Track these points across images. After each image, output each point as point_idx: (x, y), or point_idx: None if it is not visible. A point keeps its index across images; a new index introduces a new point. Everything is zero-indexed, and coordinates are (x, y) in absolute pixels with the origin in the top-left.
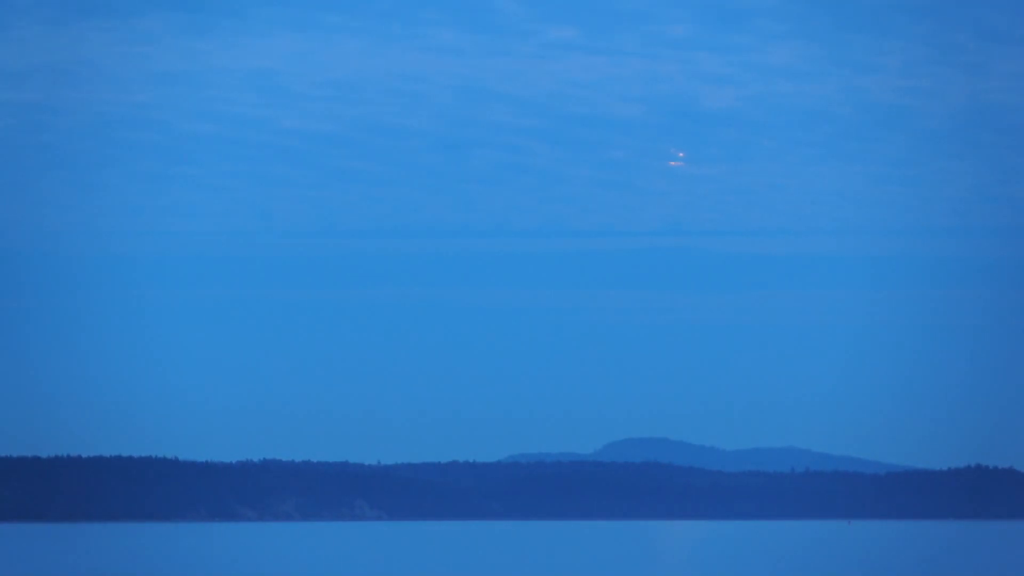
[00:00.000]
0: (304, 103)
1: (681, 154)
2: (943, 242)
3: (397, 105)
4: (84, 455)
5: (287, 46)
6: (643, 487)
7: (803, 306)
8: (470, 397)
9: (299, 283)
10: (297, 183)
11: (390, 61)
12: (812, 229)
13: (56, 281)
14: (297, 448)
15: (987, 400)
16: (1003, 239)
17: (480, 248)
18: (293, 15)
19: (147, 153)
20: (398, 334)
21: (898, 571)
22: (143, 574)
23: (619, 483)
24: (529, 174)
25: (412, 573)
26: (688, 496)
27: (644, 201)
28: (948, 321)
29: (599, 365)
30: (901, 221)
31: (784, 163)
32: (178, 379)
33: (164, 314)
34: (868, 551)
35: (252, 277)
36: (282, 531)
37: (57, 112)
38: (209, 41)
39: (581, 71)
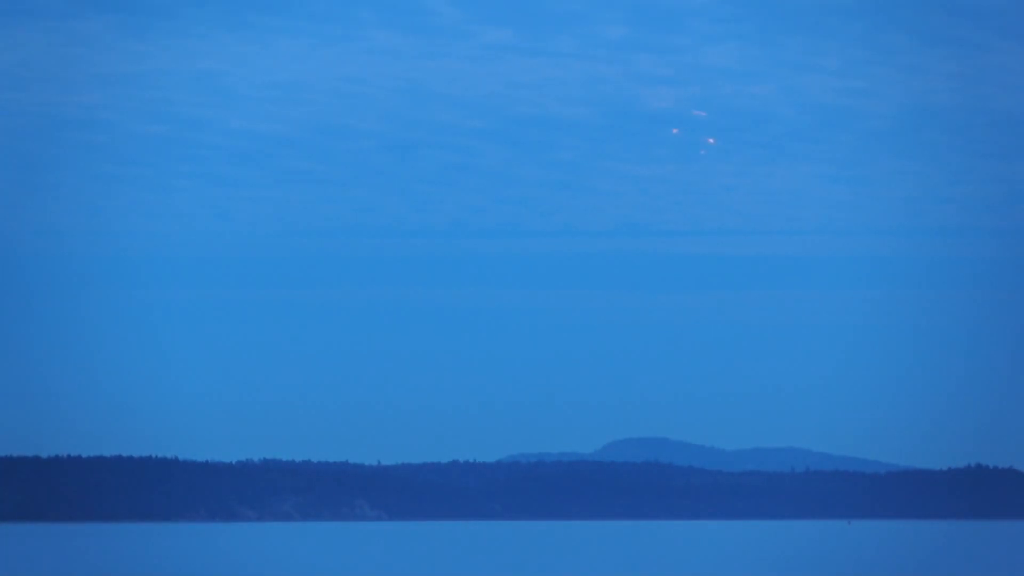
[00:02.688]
0: (249, 104)
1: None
2: (932, 241)
3: (341, 106)
4: (84, 455)
5: (226, 47)
6: (643, 487)
7: (803, 306)
8: (470, 397)
9: (295, 283)
10: (251, 183)
11: (330, 63)
12: (790, 230)
13: (53, 281)
14: (297, 448)
15: (987, 400)
16: (974, 239)
17: (452, 248)
18: (228, 17)
19: (97, 154)
20: (398, 334)
21: (898, 571)
22: (143, 574)
23: (619, 483)
24: (479, 175)
25: (412, 573)
26: (688, 496)
27: (599, 201)
28: (948, 321)
29: (599, 365)
30: (877, 221)
31: (732, 163)
32: (178, 379)
33: (162, 314)
34: (868, 551)
35: (247, 277)
36: (282, 531)
37: (2, 113)
38: (147, 43)
39: (521, 72)
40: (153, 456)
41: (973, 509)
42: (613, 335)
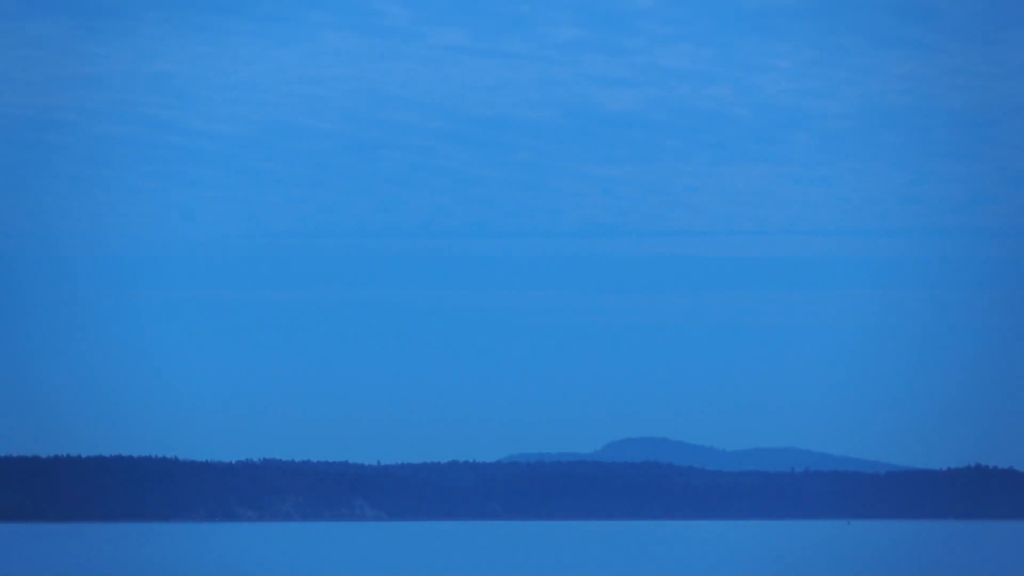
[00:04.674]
0: (208, 105)
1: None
2: (935, 241)
3: (300, 107)
4: (84, 455)
5: (180, 49)
6: (643, 487)
7: (803, 307)
8: (470, 397)
9: (292, 283)
10: (215, 184)
11: (285, 64)
12: (758, 230)
13: (56, 280)
14: (297, 448)
15: (987, 400)
16: (954, 238)
17: (429, 248)
18: (179, 18)
19: (59, 154)
20: (399, 334)
21: (898, 571)
22: (143, 574)
23: (619, 483)
24: (442, 175)
25: (412, 573)
26: (688, 496)
27: (563, 202)
28: (948, 321)
29: (599, 365)
30: (845, 222)
31: (692, 163)
32: (178, 379)
33: (154, 315)
34: (868, 551)
35: (243, 277)
36: (282, 531)
37: None
38: (102, 45)
39: (475, 74)
40: (153, 456)
41: (973, 509)
42: (614, 336)
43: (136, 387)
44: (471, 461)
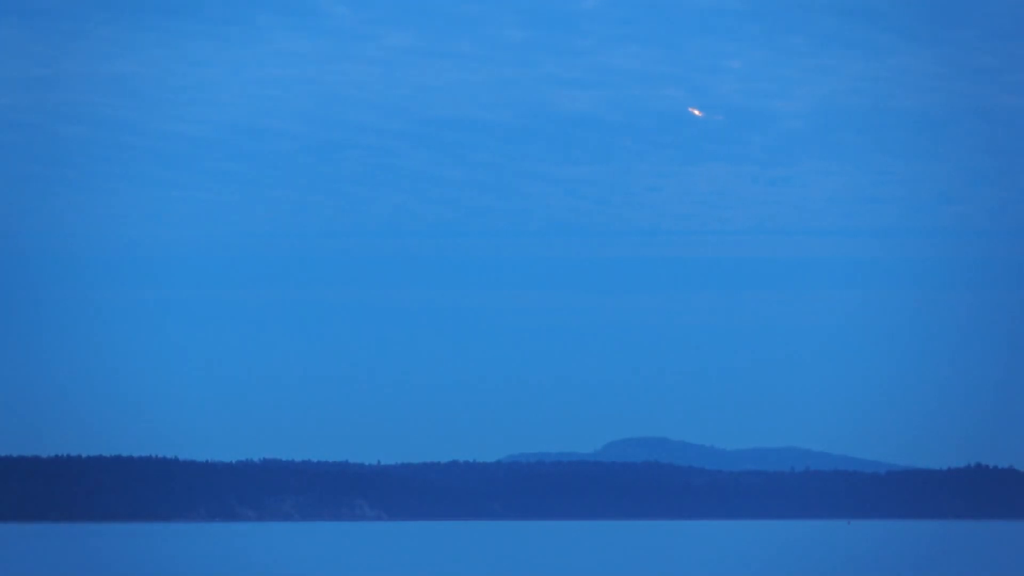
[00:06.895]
0: (165, 107)
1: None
2: (905, 240)
3: (257, 108)
4: (84, 455)
5: (133, 50)
6: (643, 487)
7: (803, 307)
8: (470, 397)
9: (294, 283)
10: (177, 184)
11: (237, 65)
12: (749, 230)
13: (52, 280)
14: (297, 448)
15: (987, 400)
16: (938, 238)
17: (413, 248)
18: (129, 20)
19: (23, 155)
20: (399, 334)
21: (898, 571)
22: (143, 574)
23: (619, 483)
24: (404, 176)
25: (412, 573)
26: (688, 496)
27: (526, 202)
28: (947, 321)
29: (599, 365)
30: (814, 222)
31: (650, 164)
32: (178, 379)
33: (160, 314)
34: (868, 551)
35: (242, 277)
36: (282, 531)
37: None
38: (54, 47)
39: (427, 75)
40: (153, 456)
41: (973, 509)
42: (614, 336)
43: (136, 387)
44: (471, 461)
